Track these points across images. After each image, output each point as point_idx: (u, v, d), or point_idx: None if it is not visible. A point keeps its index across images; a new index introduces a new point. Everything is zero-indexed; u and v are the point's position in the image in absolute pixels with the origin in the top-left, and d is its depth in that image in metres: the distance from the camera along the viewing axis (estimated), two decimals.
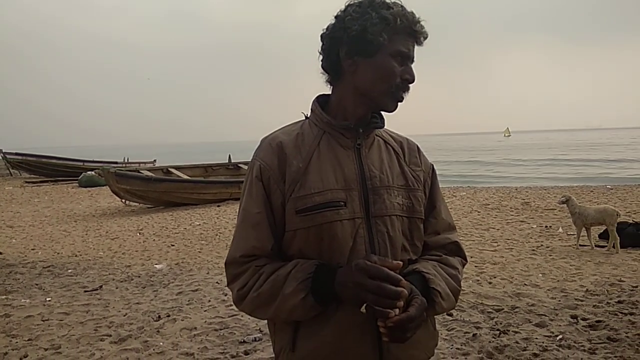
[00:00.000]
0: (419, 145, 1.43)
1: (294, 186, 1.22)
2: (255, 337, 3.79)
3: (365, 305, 1.10)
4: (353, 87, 1.27)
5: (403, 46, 1.23)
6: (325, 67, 1.30)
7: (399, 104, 1.29)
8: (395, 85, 1.24)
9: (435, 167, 1.45)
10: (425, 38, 1.27)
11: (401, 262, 1.15)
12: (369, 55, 1.23)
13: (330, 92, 1.34)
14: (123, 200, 13.04)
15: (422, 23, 1.25)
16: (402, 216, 1.28)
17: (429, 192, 1.38)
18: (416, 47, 1.27)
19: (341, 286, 1.14)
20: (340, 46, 1.24)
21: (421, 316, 1.14)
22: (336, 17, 1.26)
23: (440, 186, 1.44)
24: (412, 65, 1.27)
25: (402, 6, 1.24)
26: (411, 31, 1.24)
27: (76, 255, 7.28)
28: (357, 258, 1.18)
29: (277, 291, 1.18)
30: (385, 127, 1.37)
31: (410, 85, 1.27)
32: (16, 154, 24.14)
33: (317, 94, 1.36)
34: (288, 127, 1.34)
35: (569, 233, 7.53)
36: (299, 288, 1.16)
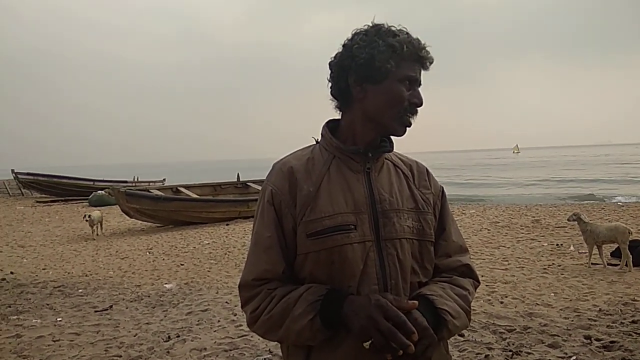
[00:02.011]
0: (428, 168, 1.44)
1: (305, 210, 1.25)
2: (265, 358, 3.78)
3: (370, 342, 1.12)
4: (362, 112, 1.30)
5: (410, 71, 1.26)
6: (335, 94, 1.34)
7: (408, 128, 1.31)
8: (404, 110, 1.27)
9: (445, 189, 1.45)
10: (431, 63, 1.29)
11: (416, 303, 1.18)
12: (377, 82, 1.26)
13: (339, 117, 1.37)
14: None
15: (428, 49, 1.28)
16: (412, 239, 1.28)
17: (439, 215, 1.39)
18: (423, 72, 1.30)
19: (352, 315, 1.15)
20: (349, 74, 1.28)
21: (430, 343, 1.15)
22: (344, 45, 1.29)
23: (450, 208, 1.45)
24: (420, 89, 1.30)
25: (407, 33, 1.27)
26: (417, 57, 1.27)
27: (86, 275, 7.32)
28: (367, 281, 1.21)
29: (287, 313, 1.20)
30: (394, 150, 1.39)
31: (419, 109, 1.30)
32: (27, 173, 24.40)
33: (327, 119, 1.38)
34: (299, 152, 1.38)
35: (580, 251, 7.44)
36: (307, 310, 1.18)
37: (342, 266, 1.22)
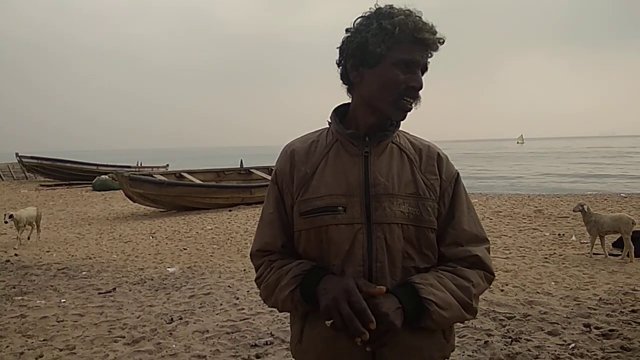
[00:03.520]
0: (442, 153, 1.39)
1: (300, 190, 1.32)
2: (266, 341, 3.82)
3: (332, 321, 1.15)
4: (360, 97, 1.32)
5: (406, 54, 1.23)
6: (342, 79, 1.35)
7: (408, 113, 1.29)
8: (399, 94, 1.25)
9: (459, 175, 1.40)
10: (436, 43, 1.25)
11: (384, 288, 1.18)
12: (372, 66, 1.26)
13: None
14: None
15: (431, 29, 1.23)
16: (406, 224, 1.27)
17: (450, 202, 1.35)
18: (433, 54, 1.27)
19: (322, 293, 1.20)
20: (347, 58, 1.30)
21: (387, 330, 1.15)
22: (346, 30, 1.30)
23: (465, 195, 1.39)
24: (424, 74, 1.28)
25: (406, 14, 1.23)
26: (414, 39, 1.23)
27: (90, 258, 7.37)
28: (352, 262, 1.25)
29: (277, 283, 1.30)
30: (406, 133, 1.40)
31: (419, 92, 1.27)
32: (31, 157, 24.47)
33: (340, 104, 1.40)
34: (307, 135, 1.43)
35: (582, 241, 7.46)
36: (291, 282, 1.26)
37: (329, 245, 1.28)
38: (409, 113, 1.30)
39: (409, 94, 1.25)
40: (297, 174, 1.33)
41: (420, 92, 1.28)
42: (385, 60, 1.24)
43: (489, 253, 1.38)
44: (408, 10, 1.25)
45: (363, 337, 1.11)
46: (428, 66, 1.29)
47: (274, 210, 1.35)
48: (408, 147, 1.37)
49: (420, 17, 1.25)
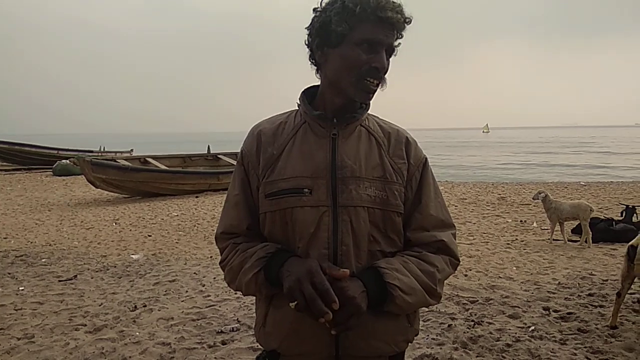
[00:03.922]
0: (410, 138, 1.38)
1: (266, 172, 1.30)
2: (232, 327, 3.79)
3: (296, 303, 1.14)
4: (326, 78, 1.30)
5: (369, 34, 1.20)
6: (310, 59, 1.32)
7: (373, 94, 1.26)
8: (361, 74, 1.22)
9: (428, 160, 1.39)
10: (401, 23, 1.22)
11: (347, 271, 1.18)
12: (335, 46, 1.24)
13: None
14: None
15: (396, 8, 1.20)
16: (372, 208, 1.26)
17: (417, 186, 1.34)
18: (402, 35, 1.25)
19: (286, 275, 1.19)
20: (313, 38, 1.27)
21: (353, 313, 1.15)
22: (314, 9, 1.28)
23: (433, 180, 1.38)
24: (392, 56, 1.26)
25: None
26: (376, 17, 1.19)
27: (50, 245, 7.15)
28: (317, 245, 1.24)
29: (242, 266, 1.28)
30: (375, 117, 1.38)
31: (383, 73, 1.24)
32: None
33: (309, 85, 1.37)
34: (276, 116, 1.40)
35: (542, 227, 7.69)
36: (255, 264, 1.25)
37: (294, 228, 1.26)
38: (375, 94, 1.28)
39: (372, 74, 1.22)
40: (264, 155, 1.31)
41: (387, 74, 1.26)
42: (348, 40, 1.22)
43: (455, 239, 1.37)
44: None
45: (326, 318, 1.11)
46: (396, 49, 1.26)
47: (240, 191, 1.34)
48: (377, 131, 1.35)
49: None
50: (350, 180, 1.26)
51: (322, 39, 1.25)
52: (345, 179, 1.26)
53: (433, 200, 1.35)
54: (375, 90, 1.26)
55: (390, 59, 1.27)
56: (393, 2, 1.21)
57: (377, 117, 1.40)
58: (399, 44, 1.27)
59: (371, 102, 1.35)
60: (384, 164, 1.30)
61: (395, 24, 1.21)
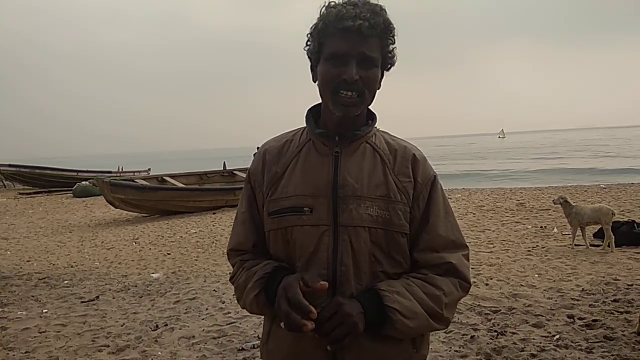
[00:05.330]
0: (418, 155, 1.33)
1: (269, 190, 1.31)
2: (254, 345, 3.79)
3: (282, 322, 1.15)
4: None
5: (335, 47, 1.20)
6: (313, 81, 1.34)
7: (354, 107, 1.22)
8: (334, 88, 1.21)
9: (437, 178, 1.33)
10: (368, 28, 1.17)
11: (326, 284, 1.16)
12: (316, 65, 1.27)
13: None
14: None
15: (357, 15, 1.17)
16: (374, 228, 1.23)
17: (425, 206, 1.29)
18: (389, 42, 1.23)
19: (277, 293, 1.19)
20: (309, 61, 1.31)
21: (349, 331, 1.13)
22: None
23: (443, 199, 1.32)
24: (373, 64, 1.22)
25: (332, 5, 1.21)
26: (337, 30, 1.19)
27: (72, 266, 7.25)
28: (316, 264, 1.23)
29: (246, 285, 1.29)
30: (385, 133, 1.37)
31: (356, 85, 1.19)
32: (9, 165, 24.00)
33: (315, 103, 1.37)
34: (283, 134, 1.41)
35: (563, 233, 7.56)
36: (255, 285, 1.25)
37: (294, 247, 1.26)
38: (368, 106, 1.28)
39: (342, 87, 1.20)
40: (268, 173, 1.32)
41: (370, 84, 1.23)
42: (322, 57, 1.24)
43: (468, 260, 1.32)
44: (344, 1, 1.21)
45: (305, 329, 1.09)
46: (373, 55, 1.21)
47: (246, 209, 1.36)
48: (383, 148, 1.32)
49: (349, 6, 1.18)
50: (351, 200, 1.23)
51: (311, 60, 1.28)
52: (346, 198, 1.23)
53: (442, 220, 1.29)
54: (355, 103, 1.22)
55: (379, 67, 1.23)
56: (356, 10, 1.18)
57: (387, 134, 1.38)
58: (391, 49, 1.25)
59: (377, 116, 1.35)
60: (387, 183, 1.26)
61: (361, 31, 1.17)
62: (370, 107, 1.32)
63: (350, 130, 1.28)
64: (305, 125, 1.37)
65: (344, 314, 1.13)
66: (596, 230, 7.09)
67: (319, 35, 1.22)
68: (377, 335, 1.20)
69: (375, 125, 1.35)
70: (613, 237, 6.37)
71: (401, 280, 1.25)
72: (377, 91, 1.29)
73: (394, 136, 1.38)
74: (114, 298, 5.40)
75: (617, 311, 4.08)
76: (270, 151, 1.35)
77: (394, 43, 1.26)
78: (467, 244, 1.35)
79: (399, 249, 1.26)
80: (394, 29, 1.24)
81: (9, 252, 8.61)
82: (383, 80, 1.30)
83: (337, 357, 1.21)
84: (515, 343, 3.56)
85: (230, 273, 1.41)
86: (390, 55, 1.26)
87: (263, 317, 1.40)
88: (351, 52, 1.19)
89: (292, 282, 1.16)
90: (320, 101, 1.34)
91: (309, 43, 1.26)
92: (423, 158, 1.33)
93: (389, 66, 1.29)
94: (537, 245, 6.92)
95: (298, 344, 1.23)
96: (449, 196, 13.24)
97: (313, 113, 1.36)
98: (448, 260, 1.27)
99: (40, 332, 4.35)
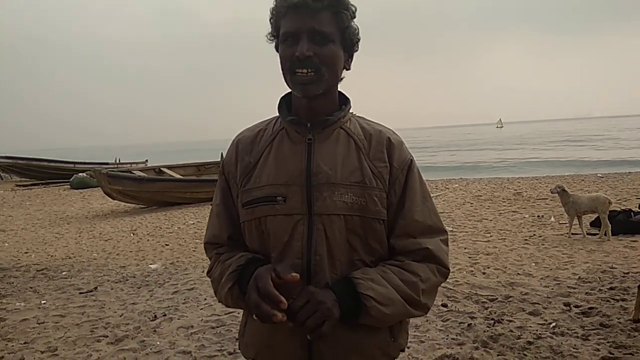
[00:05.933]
0: (394, 139, 1.29)
1: (243, 180, 1.28)
2: None
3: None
4: None
5: (287, 26, 1.19)
6: None
7: (312, 85, 1.19)
8: (290, 68, 1.19)
9: (414, 162, 1.29)
10: (307, 1, 1.15)
11: (298, 275, 1.11)
12: (278, 48, 1.25)
13: None
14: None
15: None
16: (350, 215, 1.20)
17: (401, 191, 1.25)
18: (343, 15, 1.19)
19: (248, 285, 1.17)
20: None
21: (325, 318, 1.11)
22: None
23: (420, 183, 1.28)
24: (328, 39, 1.18)
25: None
26: (287, 9, 1.18)
27: (70, 258, 7.25)
28: (290, 254, 1.20)
29: (220, 278, 1.27)
30: (361, 118, 1.33)
31: (310, 61, 1.16)
32: (6, 157, 23.93)
33: (288, 91, 1.32)
34: (257, 124, 1.37)
35: (560, 222, 7.60)
36: (229, 278, 1.23)
37: (268, 237, 1.23)
38: (327, 84, 1.21)
39: (296, 65, 1.17)
40: (241, 163, 1.29)
41: (328, 60, 1.18)
42: (280, 39, 1.22)
43: (446, 245, 1.29)
44: None
45: (274, 319, 1.06)
46: (325, 29, 1.17)
47: (220, 202, 1.34)
48: (357, 133, 1.28)
49: None
50: (325, 187, 1.20)
51: (275, 49, 1.26)
52: (320, 186, 1.20)
53: (419, 205, 1.25)
54: (312, 80, 1.18)
55: (337, 43, 1.19)
56: None
57: (363, 118, 1.34)
58: (348, 24, 1.20)
59: (351, 101, 1.30)
60: (362, 168, 1.22)
61: (308, 5, 1.15)
62: (343, 91, 1.30)
63: (321, 115, 1.25)
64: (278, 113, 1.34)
65: (317, 302, 1.11)
66: (593, 219, 7.12)
67: (274, 19, 1.22)
68: (353, 324, 1.18)
69: (351, 111, 1.32)
70: (610, 225, 6.40)
71: (377, 267, 1.22)
72: (345, 72, 1.26)
73: (370, 121, 1.34)
74: (112, 289, 5.41)
75: (613, 299, 4.11)
76: (243, 141, 1.32)
77: (353, 18, 1.22)
78: (447, 229, 1.32)
79: (376, 236, 1.23)
80: (348, 2, 1.20)
81: (6, 244, 8.61)
82: (352, 62, 1.27)
83: (312, 348, 1.20)
84: (511, 331, 3.59)
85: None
86: (350, 31, 1.21)
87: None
88: (301, 28, 1.16)
89: (263, 273, 1.13)
90: None
91: (269, 30, 1.24)
92: (399, 142, 1.29)
93: (354, 44, 1.24)
94: (534, 234, 6.95)
95: (273, 336, 1.22)
96: (447, 186, 13.26)
97: (286, 101, 1.32)
98: (425, 245, 1.23)
99: (38, 323, 4.36)
